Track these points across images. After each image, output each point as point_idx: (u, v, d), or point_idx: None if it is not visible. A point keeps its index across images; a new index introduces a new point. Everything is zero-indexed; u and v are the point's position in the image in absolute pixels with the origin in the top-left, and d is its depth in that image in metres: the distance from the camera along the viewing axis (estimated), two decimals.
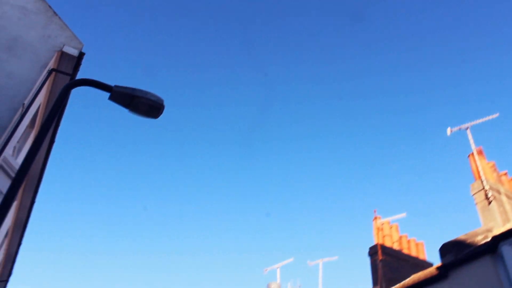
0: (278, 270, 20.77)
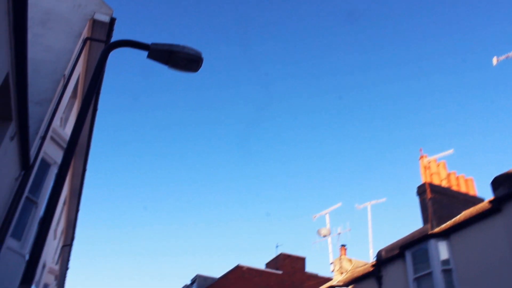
0: (327, 216, 21.09)
